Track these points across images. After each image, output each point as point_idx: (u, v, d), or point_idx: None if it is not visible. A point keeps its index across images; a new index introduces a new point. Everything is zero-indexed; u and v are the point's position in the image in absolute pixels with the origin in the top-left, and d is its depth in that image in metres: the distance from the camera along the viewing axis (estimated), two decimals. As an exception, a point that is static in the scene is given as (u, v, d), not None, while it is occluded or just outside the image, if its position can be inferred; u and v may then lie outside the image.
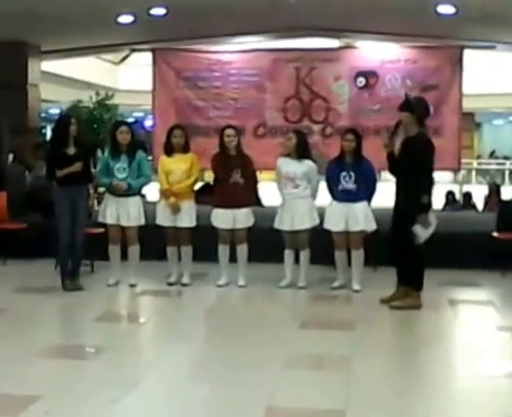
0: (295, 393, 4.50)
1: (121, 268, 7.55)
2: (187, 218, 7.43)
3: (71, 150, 7.14)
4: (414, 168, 6.34)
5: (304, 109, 11.38)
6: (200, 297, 7.22)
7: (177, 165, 7.41)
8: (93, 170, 7.65)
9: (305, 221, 7.34)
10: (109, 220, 7.40)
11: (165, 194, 7.40)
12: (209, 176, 8.72)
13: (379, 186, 7.51)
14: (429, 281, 6.72)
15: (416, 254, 6.48)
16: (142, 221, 7.47)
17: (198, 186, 8.02)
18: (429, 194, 6.46)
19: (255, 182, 7.96)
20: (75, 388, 4.54)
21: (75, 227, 7.15)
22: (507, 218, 8.45)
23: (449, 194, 11.84)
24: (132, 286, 7.45)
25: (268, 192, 8.56)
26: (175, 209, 7.34)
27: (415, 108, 6.50)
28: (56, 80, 16.01)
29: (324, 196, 7.57)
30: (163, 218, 7.46)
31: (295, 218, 7.32)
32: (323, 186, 7.50)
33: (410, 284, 6.61)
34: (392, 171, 6.77)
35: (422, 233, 6.37)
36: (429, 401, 4.37)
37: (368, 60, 11.41)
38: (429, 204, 6.46)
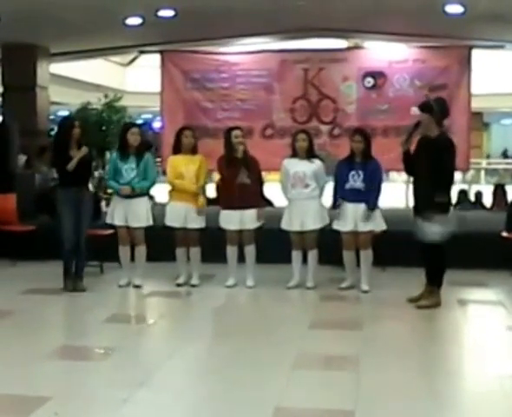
0: (304, 393, 4.50)
1: (131, 268, 7.57)
2: (196, 219, 7.44)
3: (74, 153, 7.17)
4: (438, 168, 6.38)
5: (312, 109, 11.35)
6: (208, 298, 7.24)
7: (186, 167, 7.44)
8: (101, 172, 7.68)
9: (316, 222, 7.34)
10: (117, 221, 7.44)
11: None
12: (217, 177, 8.73)
13: (387, 187, 7.50)
14: (437, 281, 6.70)
15: (437, 252, 6.52)
16: (150, 222, 7.49)
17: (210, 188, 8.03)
18: (448, 193, 6.55)
19: (261, 182, 7.96)
20: (85, 389, 4.56)
21: (80, 229, 7.19)
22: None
23: (461, 193, 11.79)
24: (137, 287, 7.46)
25: (276, 193, 8.55)
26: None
27: (435, 109, 6.54)
28: (65, 82, 16.06)
29: (329, 197, 7.56)
30: (173, 219, 7.48)
31: (305, 219, 7.32)
32: (329, 186, 7.49)
33: (433, 282, 6.64)
34: (408, 171, 6.81)
35: (433, 230, 6.37)
36: (439, 401, 4.36)
37: (376, 60, 11.38)
38: (449, 203, 6.58)
